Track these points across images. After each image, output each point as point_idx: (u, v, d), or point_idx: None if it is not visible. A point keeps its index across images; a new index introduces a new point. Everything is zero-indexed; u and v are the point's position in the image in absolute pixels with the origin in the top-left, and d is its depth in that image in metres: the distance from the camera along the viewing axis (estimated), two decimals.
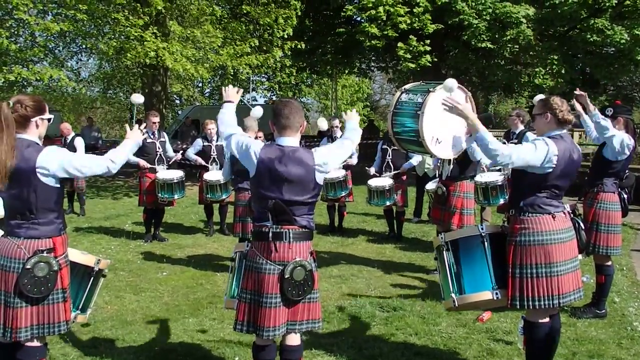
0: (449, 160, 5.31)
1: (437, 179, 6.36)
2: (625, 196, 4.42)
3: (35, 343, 2.82)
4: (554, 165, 3.02)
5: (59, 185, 2.80)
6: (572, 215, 3.22)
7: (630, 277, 5.61)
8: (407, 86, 4.00)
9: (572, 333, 4.07)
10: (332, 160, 2.96)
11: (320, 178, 2.90)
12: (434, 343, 3.94)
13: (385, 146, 7.27)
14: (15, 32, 12.08)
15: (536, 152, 3.02)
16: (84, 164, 2.84)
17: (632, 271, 5.82)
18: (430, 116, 3.62)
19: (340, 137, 3.25)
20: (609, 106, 4.45)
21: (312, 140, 17.12)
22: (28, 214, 2.74)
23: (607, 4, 12.00)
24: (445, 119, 3.87)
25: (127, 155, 3.06)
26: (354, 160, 7.71)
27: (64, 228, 2.89)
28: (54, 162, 2.74)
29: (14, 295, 2.72)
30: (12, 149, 2.66)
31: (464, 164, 5.43)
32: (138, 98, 3.94)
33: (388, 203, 7.11)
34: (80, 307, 3.19)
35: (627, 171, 4.46)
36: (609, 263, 4.49)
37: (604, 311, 4.43)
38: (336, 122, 8.02)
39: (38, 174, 2.70)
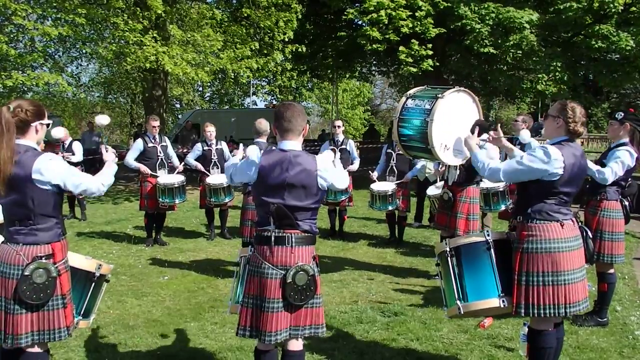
0: (456, 165, 5.31)
1: (439, 184, 6.37)
2: (627, 204, 4.41)
3: (37, 349, 2.82)
4: (562, 172, 2.99)
5: (57, 190, 2.79)
6: (578, 223, 3.20)
7: (632, 285, 5.59)
8: (411, 91, 3.98)
9: (574, 341, 4.06)
10: (336, 181, 2.96)
11: (322, 184, 2.89)
12: (435, 349, 3.94)
13: (389, 150, 7.26)
14: (15, 38, 12.09)
15: (531, 158, 3.01)
16: (80, 182, 2.89)
17: (634, 280, 5.80)
18: (440, 123, 3.61)
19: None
20: (620, 110, 4.35)
21: (312, 143, 17.13)
22: (26, 220, 2.73)
23: (613, 10, 11.96)
24: (453, 126, 3.86)
25: (112, 177, 3.21)
26: (354, 167, 7.72)
27: (63, 233, 2.88)
28: (52, 173, 2.73)
29: (14, 302, 2.71)
30: (13, 154, 2.65)
31: (471, 170, 5.43)
32: (103, 119, 3.67)
33: (390, 208, 7.11)
34: (82, 312, 3.18)
35: (629, 179, 4.45)
36: (612, 271, 4.48)
37: (605, 319, 4.42)
38: (339, 123, 8.03)
39: (34, 180, 2.69)
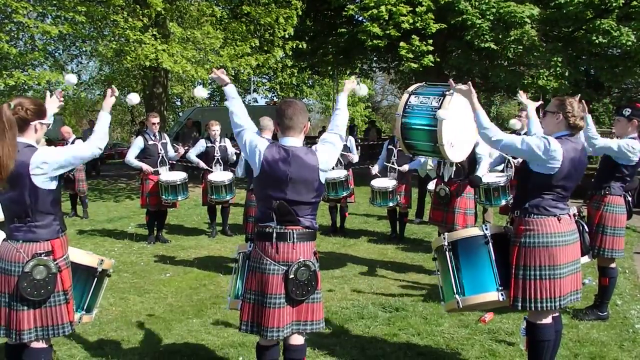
0: (452, 162, 5.33)
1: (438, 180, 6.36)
2: (630, 199, 4.41)
3: (41, 344, 2.85)
4: (559, 165, 3.00)
5: (54, 188, 2.81)
6: (576, 217, 3.21)
7: (633, 280, 5.61)
8: (411, 88, 3.95)
9: (574, 335, 4.07)
10: (331, 160, 2.97)
11: (323, 177, 2.92)
12: (436, 343, 3.96)
13: (390, 146, 7.25)
14: (15, 36, 12.09)
15: (532, 139, 3.05)
16: (70, 156, 2.85)
17: (635, 274, 5.82)
18: (448, 120, 3.59)
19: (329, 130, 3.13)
20: (627, 106, 4.32)
21: (313, 140, 17.13)
22: (24, 216, 2.76)
23: (614, 4, 11.89)
24: (460, 122, 3.84)
25: (106, 132, 3.04)
26: (355, 157, 7.72)
27: (62, 230, 2.91)
28: (46, 163, 2.74)
29: (16, 299, 2.75)
30: (14, 152, 2.66)
31: (467, 166, 5.44)
32: (134, 98, 3.50)
33: (391, 204, 7.12)
34: (85, 307, 3.21)
35: (633, 176, 4.44)
36: (613, 265, 4.47)
37: (606, 313, 4.43)
38: None
39: (32, 176, 2.71)
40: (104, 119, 3.08)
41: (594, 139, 4.17)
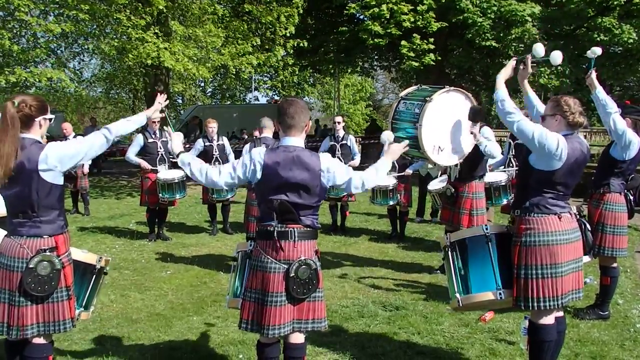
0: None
1: (442, 178, 6.37)
2: (632, 197, 4.39)
3: (42, 340, 2.86)
4: (563, 161, 3.00)
5: (60, 183, 2.83)
6: (578, 216, 3.20)
7: (634, 279, 5.60)
8: (403, 93, 4.01)
9: (575, 334, 4.07)
10: (337, 174, 2.92)
11: (325, 182, 2.89)
12: (436, 342, 3.96)
13: None
14: (18, 33, 12.11)
15: (550, 135, 3.00)
16: (81, 146, 2.86)
17: (636, 273, 5.81)
18: (429, 126, 3.62)
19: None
20: (618, 105, 4.37)
21: (313, 138, 17.12)
22: (30, 212, 2.77)
23: (615, 2, 11.88)
24: (445, 127, 3.86)
25: (124, 128, 3.03)
26: (356, 162, 7.72)
27: (65, 226, 2.92)
28: (55, 158, 2.75)
29: (19, 294, 2.75)
30: (17, 148, 2.69)
31: (471, 164, 5.41)
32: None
33: (391, 203, 7.12)
34: (83, 304, 3.23)
35: (632, 173, 4.43)
36: (615, 265, 4.46)
37: (607, 313, 4.42)
38: (339, 118, 8.02)
39: (40, 171, 2.72)
40: (134, 119, 3.12)
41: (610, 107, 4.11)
